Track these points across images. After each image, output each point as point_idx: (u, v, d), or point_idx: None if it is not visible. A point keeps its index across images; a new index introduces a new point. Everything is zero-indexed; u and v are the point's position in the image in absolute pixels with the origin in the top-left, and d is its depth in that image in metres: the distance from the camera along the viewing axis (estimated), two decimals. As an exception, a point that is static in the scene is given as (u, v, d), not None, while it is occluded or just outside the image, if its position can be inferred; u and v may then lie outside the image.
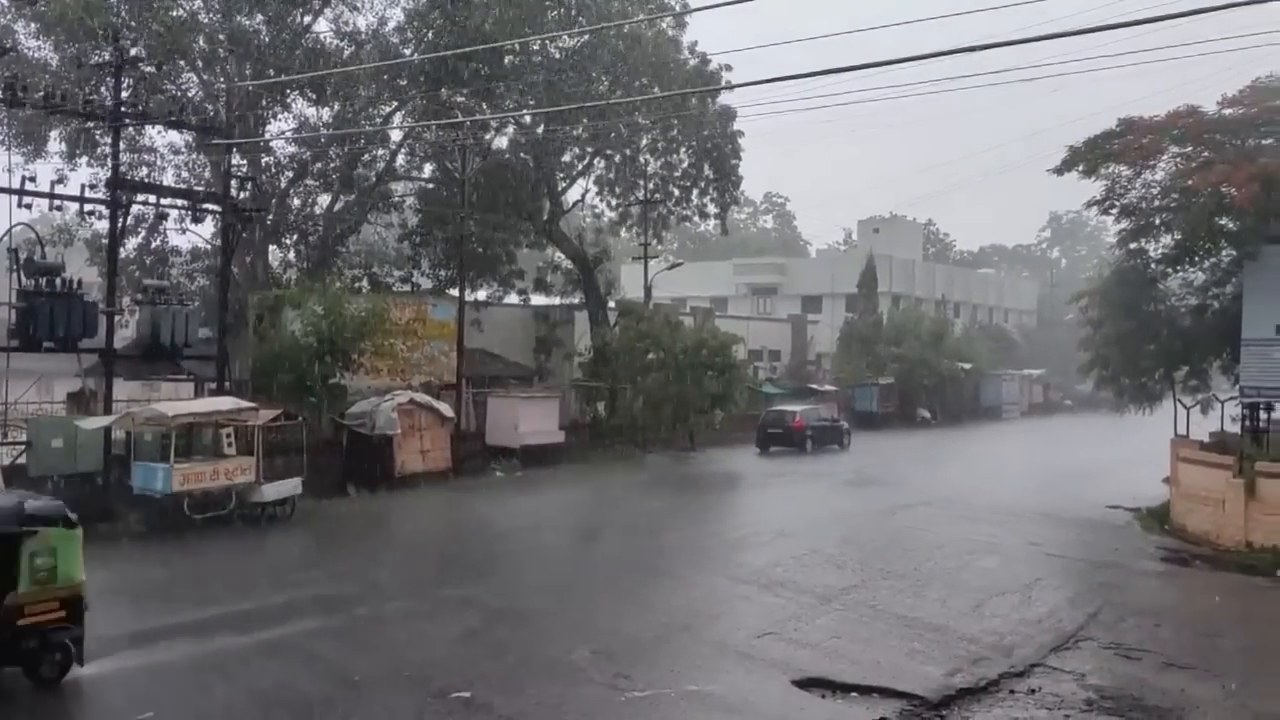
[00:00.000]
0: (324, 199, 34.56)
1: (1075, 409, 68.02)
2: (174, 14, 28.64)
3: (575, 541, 21.17)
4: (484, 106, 33.32)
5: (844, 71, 13.64)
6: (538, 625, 13.10)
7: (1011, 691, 10.75)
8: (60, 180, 27.69)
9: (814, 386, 49.35)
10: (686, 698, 10.37)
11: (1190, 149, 22.42)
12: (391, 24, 32.95)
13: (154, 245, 31.91)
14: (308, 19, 31.65)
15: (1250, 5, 11.24)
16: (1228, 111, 22.44)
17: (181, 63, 29.83)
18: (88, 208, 21.74)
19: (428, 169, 36.90)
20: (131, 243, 30.68)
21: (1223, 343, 23.44)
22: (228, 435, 21.16)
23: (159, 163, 31.17)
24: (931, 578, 16.28)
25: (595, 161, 39.02)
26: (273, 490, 20.82)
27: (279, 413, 21.92)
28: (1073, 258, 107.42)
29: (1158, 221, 23.81)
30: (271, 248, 33.97)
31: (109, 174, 22.67)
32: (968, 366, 57.89)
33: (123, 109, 22.17)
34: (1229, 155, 21.24)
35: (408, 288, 35.21)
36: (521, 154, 35.82)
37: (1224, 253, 23.52)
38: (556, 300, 41.18)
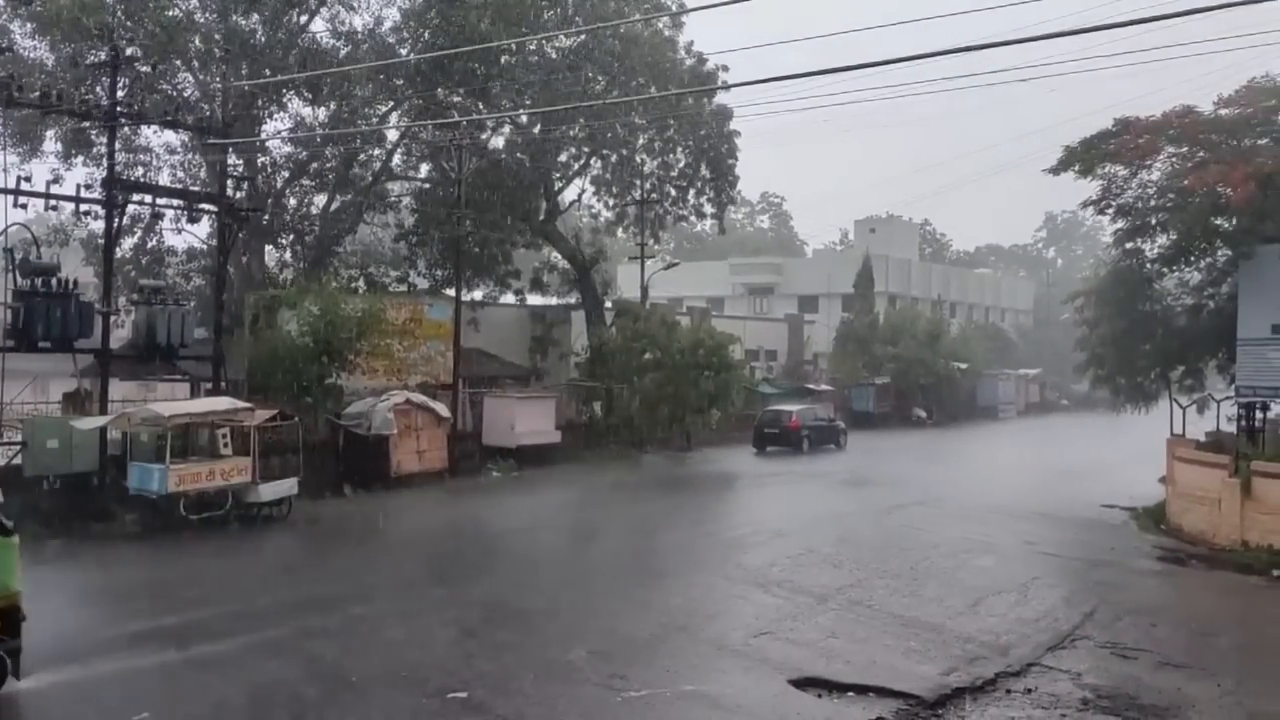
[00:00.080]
0: (320, 199, 34.56)
1: (1071, 408, 68.16)
2: (170, 14, 28.61)
3: (572, 541, 21.17)
4: (480, 106, 33.32)
5: (840, 71, 13.64)
6: (534, 625, 13.09)
7: (1008, 691, 10.76)
8: (56, 180, 27.75)
9: (810, 386, 49.37)
10: (683, 697, 10.37)
11: (1186, 149, 22.47)
12: (388, 24, 33.02)
13: (150, 245, 31.93)
14: (304, 19, 31.63)
15: (1246, 5, 11.26)
16: (1224, 112, 22.49)
17: (177, 62, 29.80)
18: (83, 208, 21.73)
19: (424, 169, 36.89)
20: (127, 243, 30.68)
21: (1218, 342, 23.49)
22: (224, 436, 21.14)
23: (155, 162, 31.18)
24: (928, 577, 16.29)
25: (592, 161, 39.02)
26: (269, 491, 20.80)
27: (275, 413, 21.89)
28: (1069, 257, 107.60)
29: (1154, 221, 23.85)
30: (267, 248, 33.95)
31: (105, 174, 22.65)
32: (964, 366, 57.96)
33: (118, 109, 22.14)
34: (1225, 155, 21.27)
35: (404, 288, 35.22)
36: (518, 154, 35.80)
37: (1220, 253, 23.57)
38: (553, 300, 41.22)
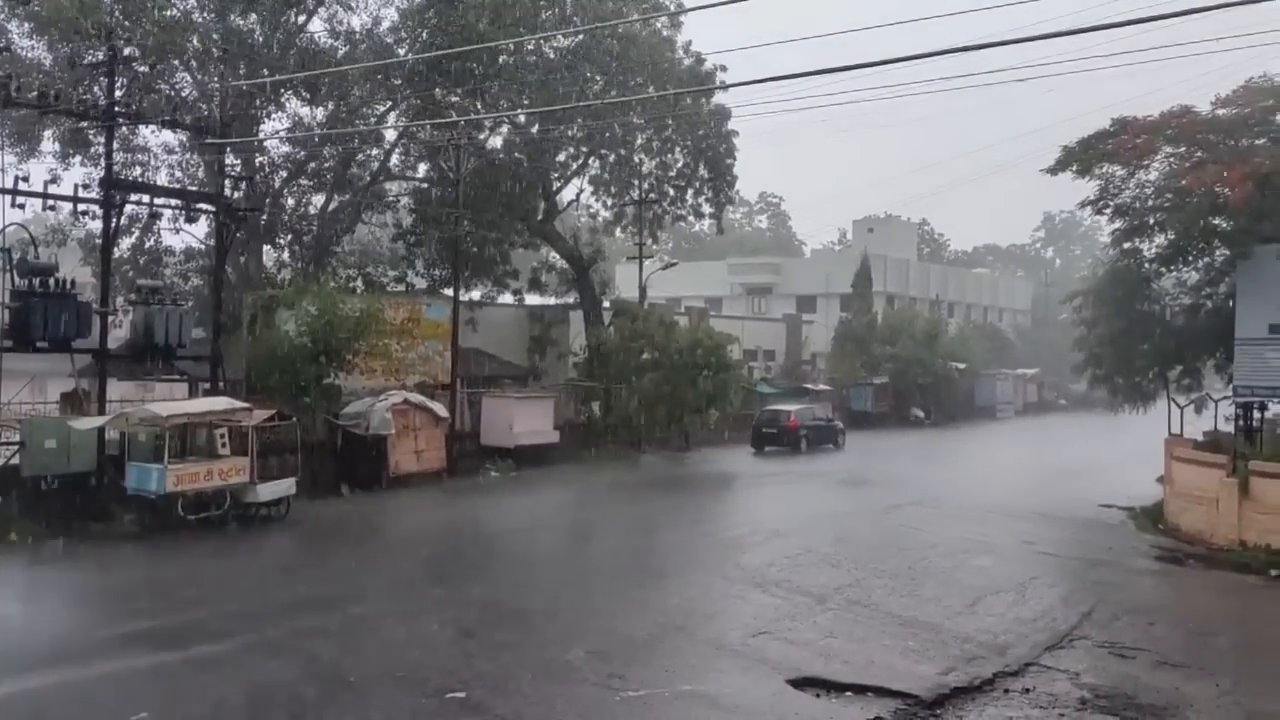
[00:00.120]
0: (318, 199, 34.55)
1: (1069, 408, 68.19)
2: (168, 13, 28.61)
3: (570, 541, 21.17)
4: (478, 106, 33.31)
5: (838, 71, 13.64)
6: (532, 625, 13.08)
7: (1006, 690, 10.76)
8: (54, 180, 27.75)
9: (809, 386, 49.41)
10: (681, 697, 10.36)
11: (1184, 149, 22.48)
12: (386, 24, 33.03)
13: (148, 245, 31.90)
14: (302, 19, 31.65)
15: (1244, 5, 11.27)
16: (1221, 111, 22.50)
17: (175, 62, 29.80)
18: (81, 207, 21.71)
19: (422, 169, 36.87)
20: (125, 243, 30.65)
21: (1216, 342, 23.51)
22: (222, 436, 21.10)
23: (153, 162, 31.17)
24: (926, 577, 16.29)
25: (590, 161, 39.00)
26: (267, 491, 20.78)
27: (273, 413, 21.87)
28: (1067, 257, 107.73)
29: (1151, 221, 23.87)
30: (266, 248, 33.96)
31: (103, 174, 22.66)
32: (962, 366, 58.00)
33: (116, 109, 22.13)
34: (1222, 155, 21.29)
35: (402, 287, 35.19)
36: (516, 154, 35.79)
37: (1217, 252, 23.59)
38: (551, 300, 41.21)
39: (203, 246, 29.68)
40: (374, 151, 34.56)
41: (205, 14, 30.27)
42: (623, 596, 15.11)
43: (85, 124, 25.20)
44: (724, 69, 37.51)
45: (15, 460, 19.54)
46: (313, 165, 33.09)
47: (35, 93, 20.60)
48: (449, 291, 32.31)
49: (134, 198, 23.28)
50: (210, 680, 10.68)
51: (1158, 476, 24.16)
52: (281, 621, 12.95)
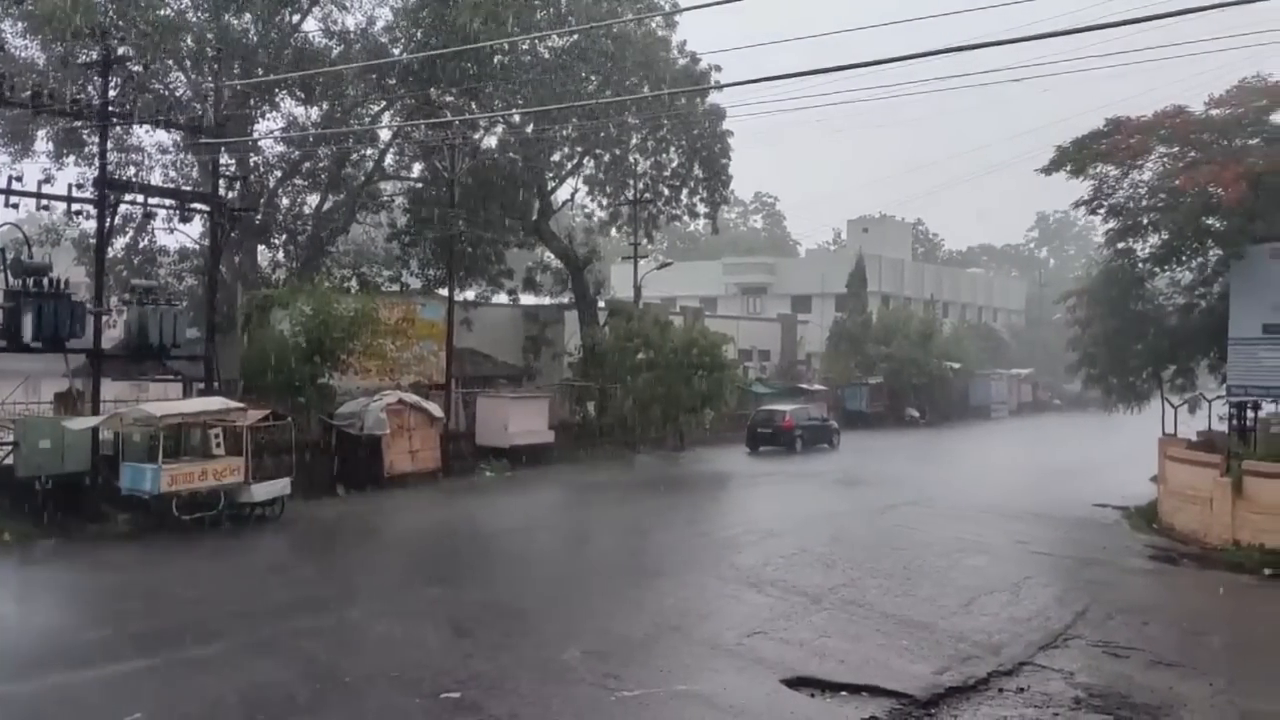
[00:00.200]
0: (313, 198, 34.52)
1: (1064, 408, 68.33)
2: (161, 13, 28.54)
3: (565, 542, 21.16)
4: (473, 106, 33.28)
5: (833, 71, 13.66)
6: (528, 625, 13.08)
7: (1000, 690, 10.77)
8: (47, 180, 27.35)
9: (803, 386, 49.44)
10: (676, 697, 10.37)
11: (1178, 149, 22.53)
12: (380, 23, 32.98)
13: (142, 245, 31.80)
14: (296, 18, 31.59)
15: (1238, 5, 11.30)
16: (1215, 112, 22.54)
17: (169, 62, 29.73)
18: (75, 207, 21.63)
19: (416, 169, 36.84)
20: (119, 242, 30.58)
21: (1210, 342, 23.54)
22: (216, 436, 21.07)
23: (147, 162, 31.18)
24: (920, 576, 16.31)
25: (584, 161, 38.99)
26: (261, 491, 20.76)
27: (268, 413, 21.85)
28: (1061, 257, 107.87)
29: (1145, 221, 23.90)
30: (260, 247, 33.90)
31: (96, 173, 22.58)
32: (956, 366, 58.08)
33: (110, 108, 22.08)
34: (1216, 155, 21.32)
35: (396, 287, 35.15)
36: (510, 153, 35.77)
37: (1211, 252, 23.63)
38: (546, 300, 41.19)
39: (197, 246, 29.62)
40: (369, 151, 34.53)
41: (199, 13, 30.21)
42: (618, 596, 15.12)
43: (79, 124, 25.12)
44: (719, 69, 37.53)
45: (9, 460, 19.48)
46: (307, 165, 33.05)
47: (29, 92, 20.55)
48: (444, 291, 32.30)
49: (128, 197, 23.15)
50: (205, 681, 10.67)
51: (1152, 476, 24.20)
52: (276, 622, 12.94)
